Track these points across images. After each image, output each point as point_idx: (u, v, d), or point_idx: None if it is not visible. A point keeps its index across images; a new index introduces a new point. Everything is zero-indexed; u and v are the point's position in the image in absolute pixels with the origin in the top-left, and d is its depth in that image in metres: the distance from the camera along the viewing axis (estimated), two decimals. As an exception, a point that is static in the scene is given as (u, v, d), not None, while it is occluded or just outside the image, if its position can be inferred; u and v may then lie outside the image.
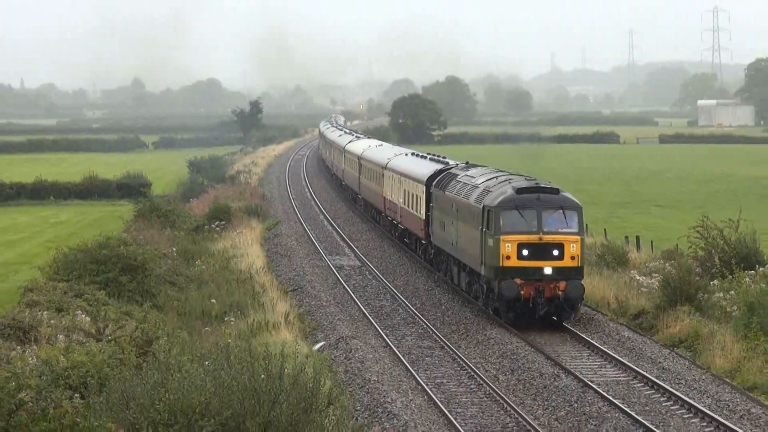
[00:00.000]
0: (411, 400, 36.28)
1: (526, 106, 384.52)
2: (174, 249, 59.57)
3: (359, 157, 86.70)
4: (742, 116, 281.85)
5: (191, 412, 21.96)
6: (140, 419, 22.15)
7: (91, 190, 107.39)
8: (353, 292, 54.65)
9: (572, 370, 39.19)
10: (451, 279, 54.41)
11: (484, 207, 46.16)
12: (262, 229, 77.05)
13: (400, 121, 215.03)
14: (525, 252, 44.65)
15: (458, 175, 54.28)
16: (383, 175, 72.82)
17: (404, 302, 52.12)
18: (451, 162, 62.84)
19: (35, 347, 32.74)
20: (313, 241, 73.14)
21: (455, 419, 33.93)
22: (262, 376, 23.41)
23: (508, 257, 44.43)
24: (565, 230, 45.25)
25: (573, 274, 44.79)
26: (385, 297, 54.08)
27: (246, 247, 66.26)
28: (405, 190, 64.35)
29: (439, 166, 60.63)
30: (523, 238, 44.75)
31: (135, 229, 65.38)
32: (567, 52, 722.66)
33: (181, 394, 22.48)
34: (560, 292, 44.32)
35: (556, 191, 46.28)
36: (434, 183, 56.93)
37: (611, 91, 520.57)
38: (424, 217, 58.25)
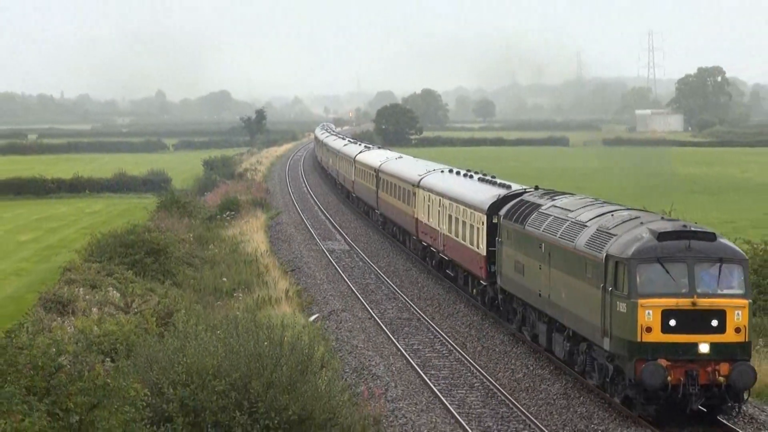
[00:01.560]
0: (392, 363, 36.39)
1: (490, 114, 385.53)
2: (191, 235, 59.49)
3: (377, 171, 69.89)
4: (672, 123, 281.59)
5: (205, 373, 22.00)
6: (162, 380, 22.19)
7: (120, 185, 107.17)
8: (343, 272, 54.68)
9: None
10: (534, 338, 37.28)
11: (608, 257, 29.86)
12: (266, 218, 76.89)
13: (383, 126, 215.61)
14: (672, 322, 28.80)
15: (542, 205, 37.21)
16: (415, 194, 56.10)
17: (386, 280, 52.19)
18: (515, 186, 45.34)
19: (73, 318, 32.77)
20: (309, 229, 73.09)
21: (429, 380, 34.06)
22: (266, 343, 23.46)
23: (648, 329, 28.71)
24: (726, 291, 29.17)
25: (738, 352, 28.91)
26: (370, 276, 54.13)
27: (252, 233, 66.16)
28: (452, 216, 47.87)
29: (502, 191, 43.69)
30: (670, 302, 28.78)
31: (158, 218, 65.19)
32: (525, 68, 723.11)
33: (196, 359, 22.52)
34: (721, 378, 28.44)
35: (712, 237, 29.74)
36: (503, 213, 40.06)
37: (562, 101, 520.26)
38: (484, 254, 41.70)
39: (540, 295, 35.12)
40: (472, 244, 43.98)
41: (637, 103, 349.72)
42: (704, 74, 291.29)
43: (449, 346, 38.70)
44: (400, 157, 74.12)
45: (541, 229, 35.23)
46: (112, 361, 25.11)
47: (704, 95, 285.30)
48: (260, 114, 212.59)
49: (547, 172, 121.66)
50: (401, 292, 49.14)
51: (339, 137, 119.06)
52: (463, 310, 44.83)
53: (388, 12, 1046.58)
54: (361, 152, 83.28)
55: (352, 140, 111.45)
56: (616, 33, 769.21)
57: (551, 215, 35.52)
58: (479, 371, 34.99)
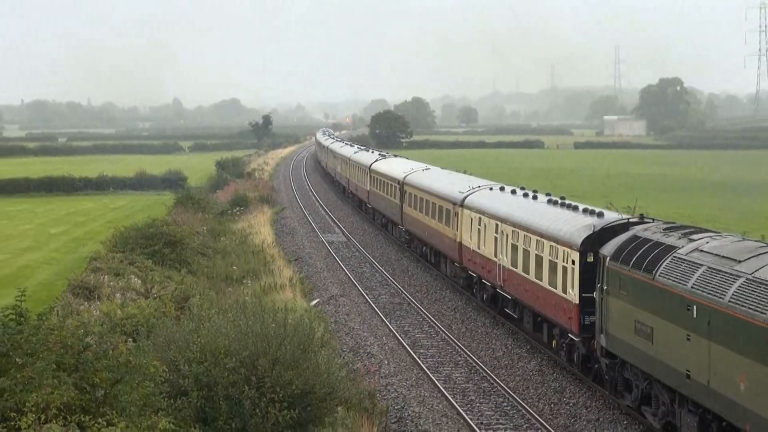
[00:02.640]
0: (385, 343, 36.43)
1: (473, 119, 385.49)
2: (204, 228, 59.45)
3: (402, 183, 57.48)
4: (636, 128, 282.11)
5: (217, 352, 21.98)
6: (178, 358, 22.17)
7: (141, 183, 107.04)
8: (341, 262, 54.70)
9: None
10: (668, 427, 25.25)
11: None
12: (272, 213, 76.93)
13: (377, 131, 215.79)
14: None
15: (676, 247, 24.81)
16: (457, 214, 44.09)
17: (380, 269, 52.21)
18: (609, 214, 32.52)
19: (98, 303, 32.74)
20: (310, 223, 73.11)
21: (419, 358, 34.12)
22: (272, 325, 23.44)
23: None
24: None
25: None
26: (366, 265, 54.15)
27: (259, 227, 66.18)
28: (518, 247, 35.50)
29: (595, 220, 31.03)
30: None
31: (175, 213, 65.18)
32: (505, 78, 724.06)
33: (209, 339, 22.50)
34: None
35: None
36: (609, 252, 27.52)
37: (538, 108, 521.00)
38: (576, 301, 29.86)
39: (689, 377, 22.72)
40: (553, 286, 31.89)
41: (605, 110, 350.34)
42: (665, 84, 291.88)
43: (436, 327, 38.75)
44: (428, 169, 60.68)
45: (690, 285, 22.69)
46: (134, 341, 25.08)
47: (665, 103, 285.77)
48: (267, 119, 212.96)
49: (525, 171, 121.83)
50: (393, 279, 49.19)
51: (347, 144, 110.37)
52: (449, 296, 44.88)
53: (381, 28, 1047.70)
54: (377, 161, 71.44)
55: (362, 147, 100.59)
56: (586, 47, 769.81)
57: (702, 264, 23.01)
58: (463, 350, 35.05)
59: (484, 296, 41.20)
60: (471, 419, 27.55)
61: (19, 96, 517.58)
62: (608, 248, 27.85)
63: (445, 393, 29.93)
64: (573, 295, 30.32)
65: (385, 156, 75.72)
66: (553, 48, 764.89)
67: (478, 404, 29.21)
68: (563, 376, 31.63)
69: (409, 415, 27.70)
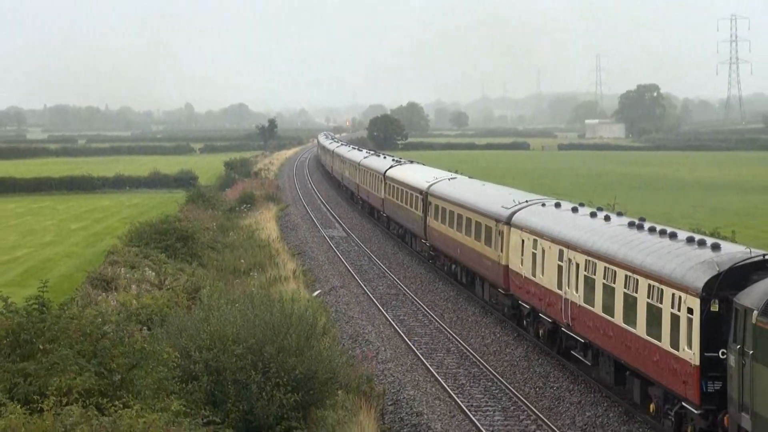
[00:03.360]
0: (382, 331, 36.44)
1: (464, 123, 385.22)
2: (214, 224, 59.37)
3: (426, 194, 48.95)
4: (616, 131, 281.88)
5: (226, 339, 21.99)
6: (189, 345, 22.18)
7: (155, 182, 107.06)
8: (341, 255, 54.67)
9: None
10: None
11: None
12: (277, 210, 76.83)
13: (375, 133, 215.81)
14: None
15: None
16: (502, 233, 35.96)
17: (377, 262, 52.19)
18: (726, 245, 24.71)
19: (115, 293, 32.72)
20: (312, 219, 73.05)
21: (413, 345, 34.13)
22: (277, 314, 23.47)
23: None
24: None
25: None
26: (364, 258, 54.12)
27: (265, 222, 66.09)
28: (593, 280, 28.02)
29: (718, 256, 22.81)
30: None
31: (186, 209, 65.12)
32: (493, 85, 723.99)
33: (219, 327, 22.51)
34: None
35: None
36: (759, 305, 19.38)
37: (524, 113, 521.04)
38: (696, 362, 21.81)
39: None
40: (655, 337, 23.80)
41: (587, 114, 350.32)
42: (643, 90, 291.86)
43: (430, 316, 38.75)
44: (454, 178, 52.02)
45: None
46: (148, 329, 25.13)
47: (642, 108, 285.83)
48: (272, 123, 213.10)
49: (512, 171, 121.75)
50: (390, 271, 49.16)
51: (354, 148, 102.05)
52: (441, 287, 44.85)
53: (379, 38, 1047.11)
54: (392, 167, 64.01)
55: (373, 152, 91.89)
56: (569, 55, 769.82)
57: None
58: (455, 338, 35.06)
59: (540, 332, 32.91)
60: (462, 402, 27.58)
61: (42, 101, 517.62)
62: (753, 297, 19.75)
63: (438, 377, 29.95)
64: (690, 354, 21.86)
65: (400, 162, 68.00)
66: (539, 56, 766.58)
67: (468, 388, 29.22)
68: (548, 362, 31.65)
69: (404, 398, 27.73)
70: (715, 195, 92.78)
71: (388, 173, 62.40)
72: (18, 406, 16.14)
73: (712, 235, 35.95)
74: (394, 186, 59.42)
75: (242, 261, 46.96)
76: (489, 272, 38.03)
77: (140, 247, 43.78)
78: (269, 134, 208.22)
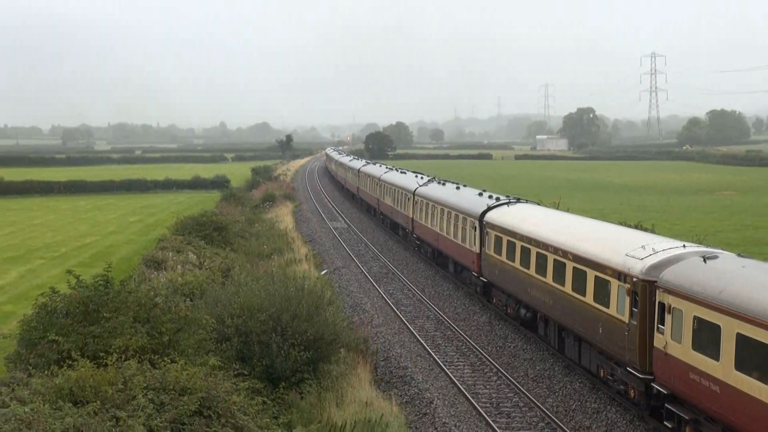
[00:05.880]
0: (375, 302, 36.39)
1: (441, 138, 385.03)
2: (243, 217, 59.27)
3: (481, 220, 34.10)
4: (560, 144, 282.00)
5: (252, 308, 21.96)
6: (223, 313, 22.14)
7: (196, 184, 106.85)
8: (343, 242, 54.60)
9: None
10: None
11: None
12: (293, 206, 76.73)
13: (370, 146, 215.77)
14: None
15: None
16: (647, 293, 19.89)
17: (372, 248, 52.11)
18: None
19: (164, 272, 32.65)
20: (321, 214, 72.94)
21: (400, 313, 34.07)
22: (292, 288, 23.43)
23: None
24: None
25: None
26: (361, 245, 54.06)
27: (283, 216, 66.01)
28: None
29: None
30: None
31: (221, 206, 65.03)
32: (464, 108, 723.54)
33: (246, 299, 22.48)
34: None
35: None
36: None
37: (488, 130, 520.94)
38: None
39: None
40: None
41: (537, 131, 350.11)
42: (581, 112, 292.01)
43: (413, 290, 38.72)
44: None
45: None
46: (191, 300, 25.05)
47: (581, 126, 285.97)
48: (289, 137, 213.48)
49: (478, 176, 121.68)
50: (382, 255, 49.10)
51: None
52: (422, 268, 44.79)
53: (375, 69, 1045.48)
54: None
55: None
56: (521, 83, 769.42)
57: None
58: (433, 307, 35.03)
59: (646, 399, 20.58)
60: (438, 358, 27.56)
61: (106, 119, 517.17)
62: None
63: (419, 339, 29.93)
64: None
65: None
66: (499, 81, 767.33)
67: (443, 347, 29.21)
68: (506, 325, 31.64)
69: (393, 355, 27.71)
70: (638, 195, 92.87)
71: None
72: (87, 361, 16.10)
73: (636, 227, 35.95)
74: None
75: (265, 247, 46.92)
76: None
77: (184, 235, 43.75)
78: (286, 146, 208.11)
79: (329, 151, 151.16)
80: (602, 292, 22.49)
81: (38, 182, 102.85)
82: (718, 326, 16.50)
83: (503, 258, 30.98)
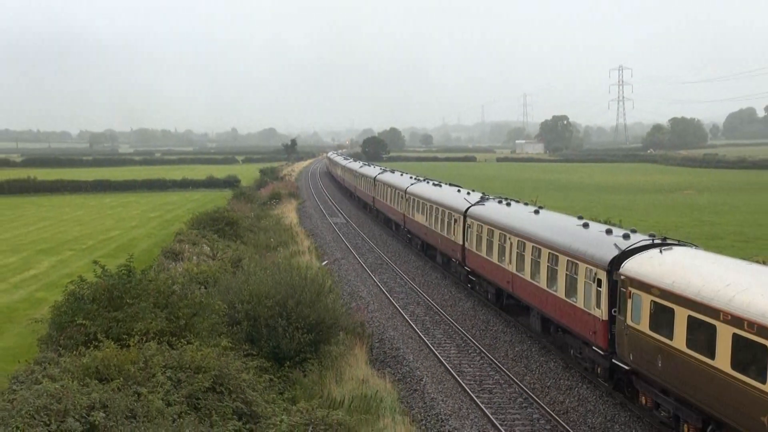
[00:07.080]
0: (371, 290, 36.35)
1: (430, 142, 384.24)
2: (252, 213, 59.19)
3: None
4: (538, 148, 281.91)
5: (260, 295, 21.94)
6: (234, 299, 22.12)
7: (210, 184, 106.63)
8: (342, 236, 54.52)
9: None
10: None
11: None
12: (297, 204, 76.66)
13: (366, 149, 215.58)
14: None
15: None
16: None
17: (368, 241, 52.06)
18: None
19: (182, 262, 32.60)
20: (321, 210, 72.83)
21: (393, 300, 34.03)
22: (296, 278, 23.40)
23: None
24: None
25: None
26: (358, 238, 53.98)
27: (288, 213, 65.93)
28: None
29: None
30: None
31: (232, 203, 64.91)
32: (452, 114, 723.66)
33: (255, 286, 22.45)
34: None
35: None
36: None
37: (473, 135, 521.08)
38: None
39: None
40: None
41: (517, 136, 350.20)
42: (557, 119, 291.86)
43: (405, 279, 38.68)
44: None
45: None
46: (205, 288, 25.01)
47: (556, 132, 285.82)
48: (293, 141, 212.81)
49: (464, 177, 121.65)
50: (377, 247, 49.05)
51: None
52: (414, 259, 44.76)
53: (373, 79, 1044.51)
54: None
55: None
56: (503, 94, 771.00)
57: None
58: (423, 294, 35.01)
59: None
60: (427, 340, 27.56)
61: (129, 125, 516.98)
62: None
63: (410, 323, 29.92)
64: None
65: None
66: (483, 92, 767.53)
67: (432, 330, 29.21)
68: (488, 311, 31.65)
69: (387, 337, 27.71)
70: (607, 194, 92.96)
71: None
72: (112, 343, 16.11)
73: (605, 222, 36.01)
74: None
75: (272, 240, 46.85)
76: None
77: (199, 229, 43.69)
78: (291, 149, 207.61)
79: (331, 154, 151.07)
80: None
81: (68, 182, 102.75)
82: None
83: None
